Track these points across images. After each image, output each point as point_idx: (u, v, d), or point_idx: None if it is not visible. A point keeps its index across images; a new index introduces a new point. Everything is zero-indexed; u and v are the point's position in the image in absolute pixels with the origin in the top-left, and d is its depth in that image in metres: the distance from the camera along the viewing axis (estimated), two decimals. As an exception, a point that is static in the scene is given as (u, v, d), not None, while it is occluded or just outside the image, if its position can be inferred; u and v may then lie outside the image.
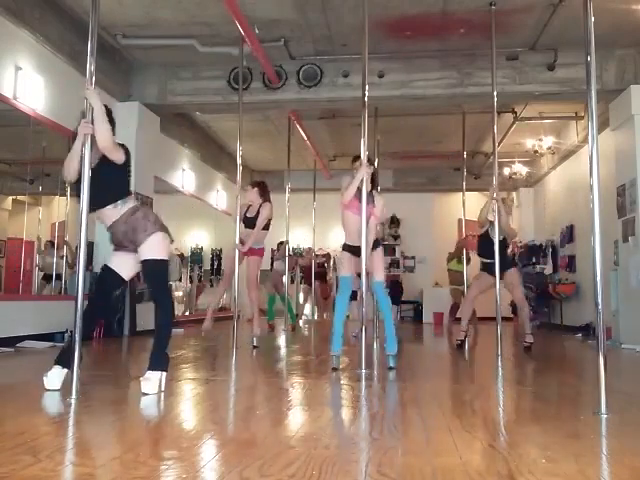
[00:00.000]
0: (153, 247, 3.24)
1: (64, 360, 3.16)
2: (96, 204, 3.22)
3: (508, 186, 12.47)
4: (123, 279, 3.38)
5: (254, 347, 5.98)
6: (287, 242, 9.44)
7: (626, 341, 6.90)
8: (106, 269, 3.36)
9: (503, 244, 5.96)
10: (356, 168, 4.48)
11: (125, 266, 3.34)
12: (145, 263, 3.27)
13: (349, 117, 9.12)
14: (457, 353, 5.97)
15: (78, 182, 3.18)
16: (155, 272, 3.31)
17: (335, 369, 4.26)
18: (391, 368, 4.32)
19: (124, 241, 3.28)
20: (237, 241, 5.89)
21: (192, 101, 7.89)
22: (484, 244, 6.05)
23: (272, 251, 10.50)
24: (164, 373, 3.26)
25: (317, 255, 11.98)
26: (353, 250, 4.48)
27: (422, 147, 11.41)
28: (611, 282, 7.34)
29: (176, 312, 10.79)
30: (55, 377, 3.15)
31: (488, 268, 5.99)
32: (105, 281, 3.38)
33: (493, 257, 5.60)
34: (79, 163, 3.17)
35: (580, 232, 9.74)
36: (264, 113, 9.28)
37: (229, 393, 3.58)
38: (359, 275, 4.42)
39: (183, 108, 8.41)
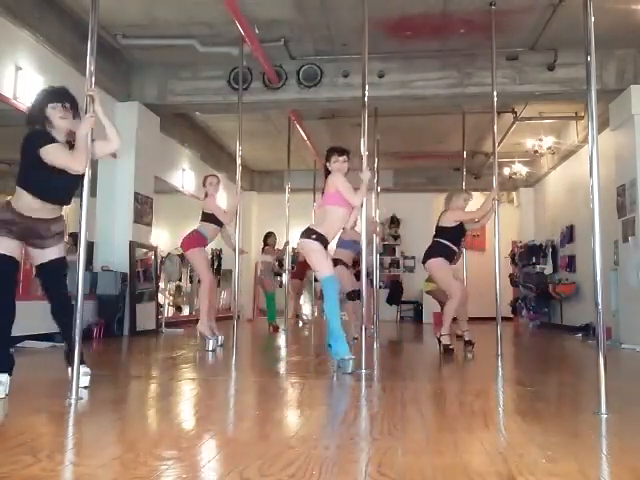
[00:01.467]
0: (63, 247, 3.43)
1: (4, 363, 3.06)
2: (68, 200, 3.30)
3: (508, 186, 12.48)
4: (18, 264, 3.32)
5: (210, 352, 5.63)
6: (288, 242, 9.43)
7: (626, 341, 6.90)
8: (8, 258, 3.17)
9: (463, 233, 6.37)
10: (337, 161, 4.41)
11: (18, 251, 3.26)
12: (61, 260, 3.37)
13: (349, 117, 9.12)
14: (457, 353, 5.96)
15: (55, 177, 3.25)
16: (65, 269, 3.44)
17: (350, 373, 4.03)
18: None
19: (46, 235, 3.25)
20: (237, 246, 5.89)
21: (192, 101, 7.89)
22: (458, 234, 6.25)
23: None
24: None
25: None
26: (326, 244, 4.40)
27: (422, 147, 11.40)
28: (611, 282, 7.35)
29: (178, 312, 10.91)
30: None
31: (454, 254, 6.26)
32: (12, 272, 3.25)
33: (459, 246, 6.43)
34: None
35: (580, 232, 9.74)
36: (264, 113, 9.28)
37: (229, 393, 3.57)
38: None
39: (183, 108, 8.42)
